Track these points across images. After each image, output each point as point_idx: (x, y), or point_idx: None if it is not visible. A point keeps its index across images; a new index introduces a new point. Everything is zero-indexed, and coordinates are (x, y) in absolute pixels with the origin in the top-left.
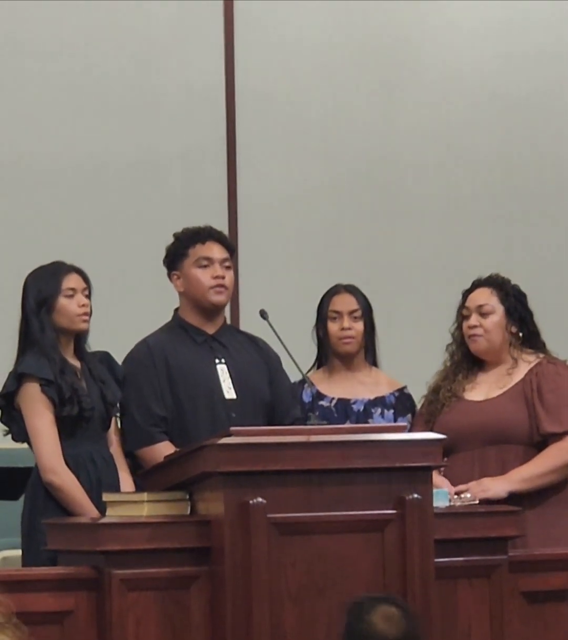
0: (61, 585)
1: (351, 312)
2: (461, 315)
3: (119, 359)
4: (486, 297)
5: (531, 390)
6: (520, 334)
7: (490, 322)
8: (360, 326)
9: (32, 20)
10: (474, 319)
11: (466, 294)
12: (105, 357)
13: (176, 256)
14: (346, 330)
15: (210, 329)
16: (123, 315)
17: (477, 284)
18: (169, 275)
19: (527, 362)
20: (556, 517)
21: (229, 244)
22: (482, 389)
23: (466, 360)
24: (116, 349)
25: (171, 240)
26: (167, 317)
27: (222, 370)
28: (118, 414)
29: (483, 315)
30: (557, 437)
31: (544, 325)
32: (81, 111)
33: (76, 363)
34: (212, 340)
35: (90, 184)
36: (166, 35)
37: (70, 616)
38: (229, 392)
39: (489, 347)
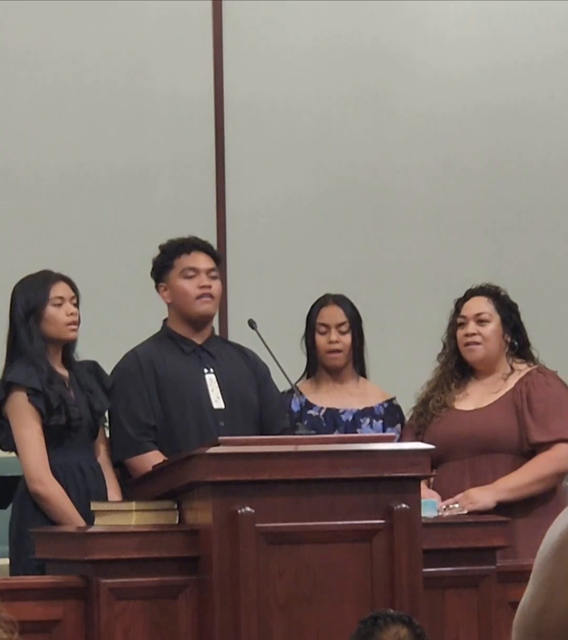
0: (49, 594)
1: (338, 325)
2: (456, 324)
3: (107, 367)
4: (483, 305)
5: (521, 399)
6: (516, 343)
7: (489, 331)
8: (347, 339)
9: (20, 27)
10: (472, 327)
11: (460, 302)
12: (93, 367)
13: (162, 268)
14: (334, 343)
15: (198, 339)
16: (111, 324)
17: (472, 293)
18: (157, 287)
19: (518, 371)
20: (545, 527)
21: (215, 254)
22: (473, 399)
23: (458, 369)
24: (104, 357)
25: (159, 249)
26: (157, 326)
27: (210, 380)
28: (106, 424)
29: (481, 323)
30: (545, 446)
31: (534, 335)
32: (70, 120)
33: (64, 372)
34: (200, 350)
35: (78, 193)
36: (154, 44)
37: (58, 625)
38: (217, 402)
39: (486, 356)
